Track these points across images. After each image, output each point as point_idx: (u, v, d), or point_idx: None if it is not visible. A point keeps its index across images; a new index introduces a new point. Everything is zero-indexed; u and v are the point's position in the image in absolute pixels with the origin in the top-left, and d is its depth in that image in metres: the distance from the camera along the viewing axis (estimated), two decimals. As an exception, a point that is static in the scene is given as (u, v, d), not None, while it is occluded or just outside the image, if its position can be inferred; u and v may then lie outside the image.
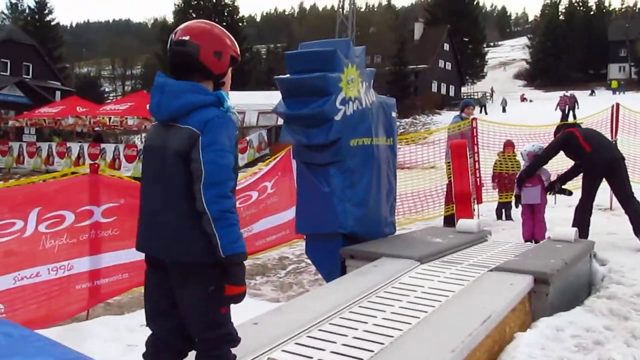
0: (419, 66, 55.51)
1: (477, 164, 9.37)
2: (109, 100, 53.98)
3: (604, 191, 10.94)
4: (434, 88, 58.97)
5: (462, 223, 6.63)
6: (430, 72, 58.16)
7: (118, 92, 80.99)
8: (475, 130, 9.38)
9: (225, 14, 54.55)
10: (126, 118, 19.31)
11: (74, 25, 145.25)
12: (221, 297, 2.41)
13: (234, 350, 2.61)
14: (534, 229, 7.28)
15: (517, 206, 7.78)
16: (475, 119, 9.53)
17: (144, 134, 22.11)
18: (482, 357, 3.59)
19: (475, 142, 9.39)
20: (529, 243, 6.36)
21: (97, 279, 5.13)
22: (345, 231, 5.67)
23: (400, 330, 3.49)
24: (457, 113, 10.09)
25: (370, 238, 5.82)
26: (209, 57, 2.49)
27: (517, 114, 37.25)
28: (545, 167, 7.39)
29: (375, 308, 3.92)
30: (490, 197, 10.14)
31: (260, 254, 7.98)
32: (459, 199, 8.30)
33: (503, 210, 9.97)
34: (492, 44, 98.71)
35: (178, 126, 2.42)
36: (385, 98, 6.46)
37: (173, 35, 2.53)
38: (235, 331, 2.55)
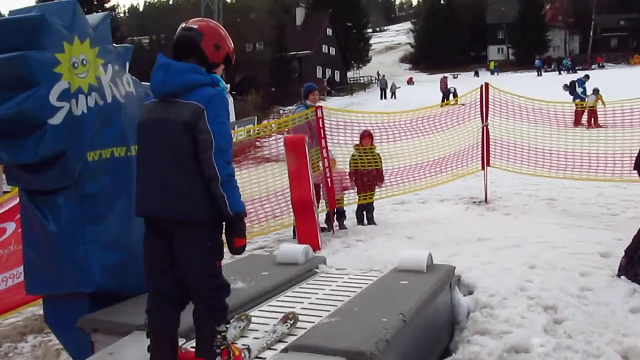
0: (302, 52, 54.28)
1: (325, 160, 7.64)
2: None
3: (478, 179, 9.70)
4: (319, 74, 57.90)
5: (283, 251, 4.92)
6: (314, 58, 57.23)
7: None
8: (321, 120, 7.66)
9: (95, 2, 50.47)
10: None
11: None
12: (217, 252, 2.83)
13: None
14: None
15: None
16: (320, 107, 7.79)
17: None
18: None
19: (323, 135, 7.66)
20: (371, 275, 4.73)
21: None
22: (90, 289, 3.79)
23: None
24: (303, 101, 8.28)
25: (133, 294, 3.92)
26: (209, 46, 2.87)
27: (402, 97, 36.82)
28: None
29: None
30: (352, 199, 8.53)
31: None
32: (298, 209, 6.61)
33: (364, 213, 8.41)
34: (377, 29, 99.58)
35: (181, 102, 2.74)
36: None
37: (183, 24, 2.92)
38: (228, 282, 2.90)
